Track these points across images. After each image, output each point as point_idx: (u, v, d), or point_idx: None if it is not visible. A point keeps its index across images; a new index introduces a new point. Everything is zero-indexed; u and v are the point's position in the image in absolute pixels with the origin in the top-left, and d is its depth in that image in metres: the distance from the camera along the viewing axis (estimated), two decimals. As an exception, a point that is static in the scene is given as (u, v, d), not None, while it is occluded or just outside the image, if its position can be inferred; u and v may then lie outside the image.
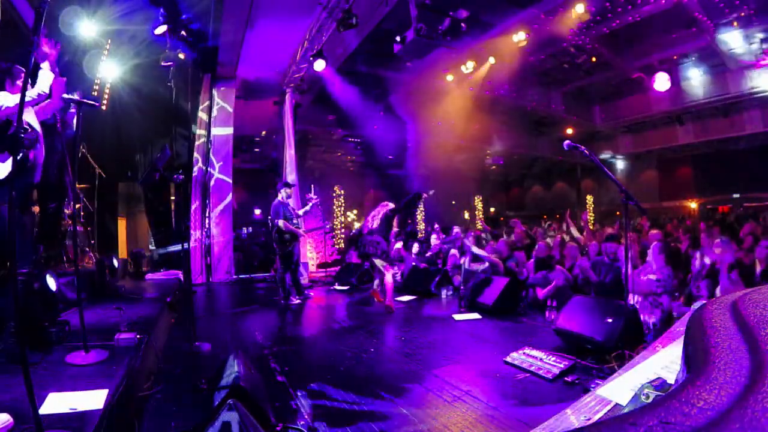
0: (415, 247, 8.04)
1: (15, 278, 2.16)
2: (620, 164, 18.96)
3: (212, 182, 8.73)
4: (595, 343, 3.30)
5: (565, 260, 5.66)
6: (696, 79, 13.50)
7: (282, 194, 6.16)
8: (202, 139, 8.83)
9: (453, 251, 7.08)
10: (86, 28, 6.58)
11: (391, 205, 5.81)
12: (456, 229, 8.33)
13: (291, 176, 9.31)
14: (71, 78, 6.16)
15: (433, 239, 8.55)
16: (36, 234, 4.61)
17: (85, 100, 2.85)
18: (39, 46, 2.68)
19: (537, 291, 5.30)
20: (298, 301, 6.13)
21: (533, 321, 4.75)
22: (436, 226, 9.74)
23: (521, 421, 2.36)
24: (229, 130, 8.97)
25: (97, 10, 6.80)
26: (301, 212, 6.52)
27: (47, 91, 2.83)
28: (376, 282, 5.91)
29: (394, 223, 5.98)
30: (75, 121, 3.84)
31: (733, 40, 10.73)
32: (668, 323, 4.03)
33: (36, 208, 4.82)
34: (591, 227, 10.54)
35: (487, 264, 5.79)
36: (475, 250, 5.96)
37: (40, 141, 2.95)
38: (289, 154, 9.45)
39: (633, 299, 4.22)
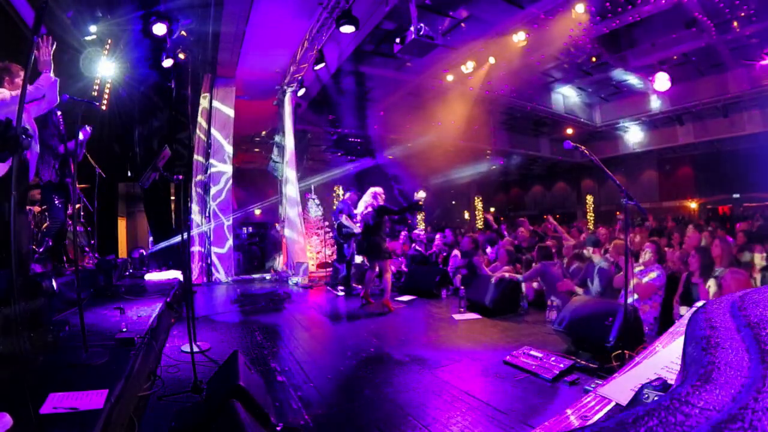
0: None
1: (15, 278, 2.17)
2: (620, 164, 19.00)
3: (212, 182, 8.73)
4: (595, 343, 3.30)
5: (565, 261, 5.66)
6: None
7: (347, 195, 7.00)
8: (203, 139, 8.83)
9: (455, 252, 7.09)
10: (86, 27, 6.58)
11: (380, 199, 5.78)
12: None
13: (291, 175, 9.34)
14: (71, 77, 6.16)
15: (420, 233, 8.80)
16: (36, 234, 4.59)
17: (84, 100, 2.85)
18: (40, 49, 2.68)
19: (526, 288, 5.34)
20: (359, 293, 6.24)
21: (533, 321, 4.75)
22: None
23: (521, 422, 2.36)
24: (229, 130, 8.97)
25: (97, 9, 6.79)
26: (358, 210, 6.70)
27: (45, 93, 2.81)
28: (368, 278, 5.94)
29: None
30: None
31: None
32: (667, 317, 4.03)
33: (36, 208, 4.81)
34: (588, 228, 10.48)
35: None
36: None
37: (35, 139, 2.94)
38: (290, 152, 9.45)
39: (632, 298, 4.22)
